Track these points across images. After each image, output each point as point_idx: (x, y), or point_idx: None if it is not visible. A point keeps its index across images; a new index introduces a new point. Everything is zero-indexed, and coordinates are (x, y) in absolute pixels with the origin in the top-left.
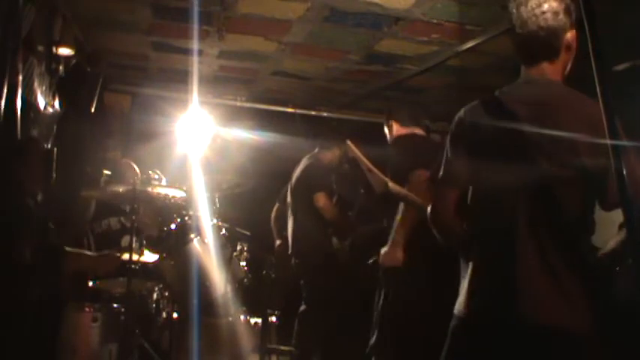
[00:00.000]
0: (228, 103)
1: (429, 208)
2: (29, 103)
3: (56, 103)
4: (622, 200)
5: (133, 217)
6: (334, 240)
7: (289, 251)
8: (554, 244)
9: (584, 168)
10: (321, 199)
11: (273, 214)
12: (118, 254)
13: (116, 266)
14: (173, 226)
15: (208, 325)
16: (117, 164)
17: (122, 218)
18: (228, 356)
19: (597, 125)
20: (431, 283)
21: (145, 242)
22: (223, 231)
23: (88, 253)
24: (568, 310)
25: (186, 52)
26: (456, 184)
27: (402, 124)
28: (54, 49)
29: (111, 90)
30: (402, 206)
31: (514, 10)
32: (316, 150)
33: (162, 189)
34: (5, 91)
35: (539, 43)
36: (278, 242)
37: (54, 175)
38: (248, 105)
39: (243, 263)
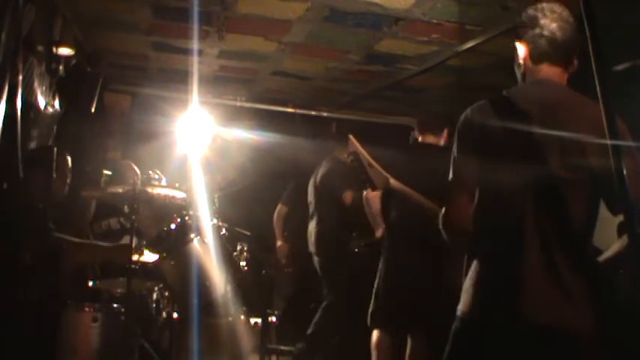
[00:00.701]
0: (228, 103)
1: (440, 213)
2: (29, 103)
3: (56, 103)
4: (622, 200)
5: (133, 217)
6: (356, 238)
7: (312, 249)
8: (561, 244)
9: (593, 170)
10: (348, 197)
11: (275, 215)
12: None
13: (131, 256)
14: (173, 226)
15: (208, 325)
16: (117, 164)
17: (122, 219)
18: (228, 356)
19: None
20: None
21: (144, 242)
22: (223, 231)
23: (103, 244)
24: (572, 310)
25: (186, 52)
26: (466, 186)
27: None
28: (54, 49)
29: (111, 90)
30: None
31: (539, 14)
32: (335, 151)
33: (162, 189)
34: (5, 91)
35: (562, 50)
36: (279, 243)
37: (54, 175)
38: (248, 105)
39: (243, 263)
